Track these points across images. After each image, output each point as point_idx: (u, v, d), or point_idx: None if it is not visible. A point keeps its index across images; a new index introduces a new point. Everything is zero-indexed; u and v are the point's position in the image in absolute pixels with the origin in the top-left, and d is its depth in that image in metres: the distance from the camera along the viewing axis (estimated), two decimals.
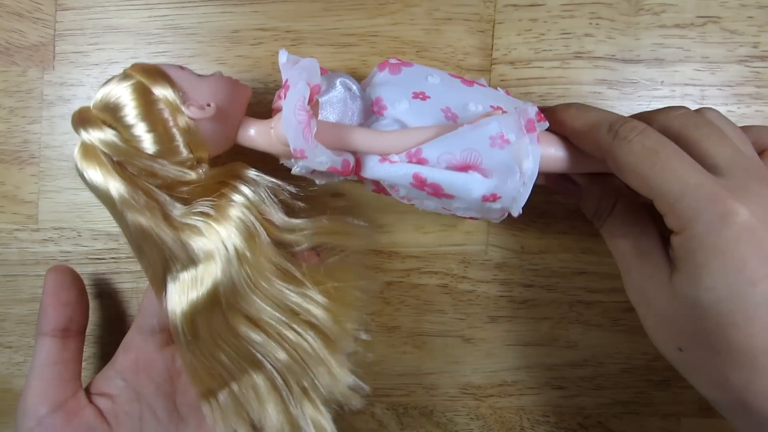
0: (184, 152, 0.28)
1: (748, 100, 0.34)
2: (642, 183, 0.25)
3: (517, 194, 0.27)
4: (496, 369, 0.36)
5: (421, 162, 0.27)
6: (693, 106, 0.34)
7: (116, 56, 0.35)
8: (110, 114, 0.27)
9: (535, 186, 0.27)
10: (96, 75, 0.35)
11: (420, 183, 0.27)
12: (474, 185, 0.27)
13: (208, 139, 0.28)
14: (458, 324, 0.36)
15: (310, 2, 0.34)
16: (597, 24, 0.34)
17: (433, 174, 0.27)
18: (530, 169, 0.27)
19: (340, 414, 0.36)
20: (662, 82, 0.34)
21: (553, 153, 0.29)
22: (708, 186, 0.24)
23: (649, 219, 0.27)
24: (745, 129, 0.28)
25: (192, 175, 0.28)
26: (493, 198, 0.27)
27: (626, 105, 0.34)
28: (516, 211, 0.28)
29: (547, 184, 0.33)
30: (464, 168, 0.27)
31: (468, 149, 0.26)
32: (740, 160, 0.25)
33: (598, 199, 0.29)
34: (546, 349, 0.36)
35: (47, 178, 0.35)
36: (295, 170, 0.29)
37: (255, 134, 0.29)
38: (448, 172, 0.27)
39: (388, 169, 0.27)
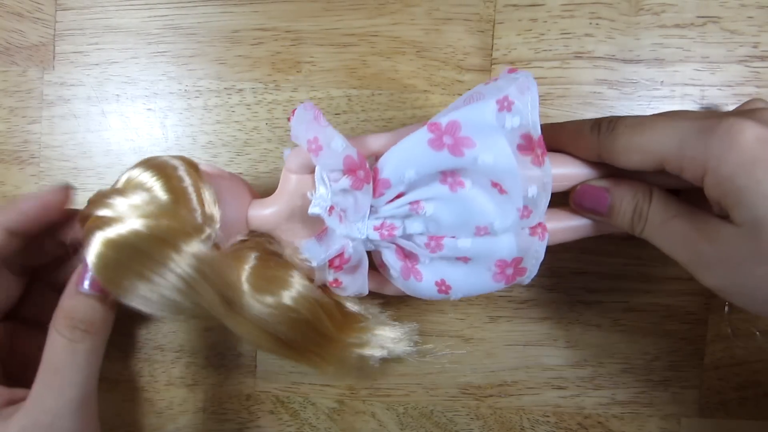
0: (197, 207, 0.27)
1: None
2: (642, 154, 0.25)
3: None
4: (496, 369, 0.36)
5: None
6: (693, 106, 0.34)
7: (116, 56, 0.35)
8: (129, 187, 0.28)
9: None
10: (96, 75, 0.35)
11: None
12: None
13: (221, 198, 0.28)
14: (458, 324, 0.36)
15: (310, 2, 0.34)
16: (597, 24, 0.34)
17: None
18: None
19: (339, 414, 0.36)
20: (662, 82, 0.34)
21: (567, 171, 0.29)
22: (701, 120, 0.24)
23: (686, 201, 0.27)
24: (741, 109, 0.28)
25: (206, 231, 0.27)
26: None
27: (626, 105, 0.34)
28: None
29: (573, 203, 0.30)
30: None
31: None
32: (713, 112, 0.26)
33: (632, 194, 0.28)
34: (546, 349, 0.36)
35: (47, 178, 0.35)
36: (312, 208, 0.27)
37: (270, 199, 0.30)
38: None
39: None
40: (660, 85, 0.34)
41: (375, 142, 0.29)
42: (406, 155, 0.27)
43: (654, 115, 0.26)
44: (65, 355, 0.26)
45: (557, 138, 0.29)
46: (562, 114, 0.34)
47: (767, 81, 0.34)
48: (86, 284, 0.27)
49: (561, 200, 0.29)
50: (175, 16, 0.35)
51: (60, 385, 0.26)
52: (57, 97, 0.35)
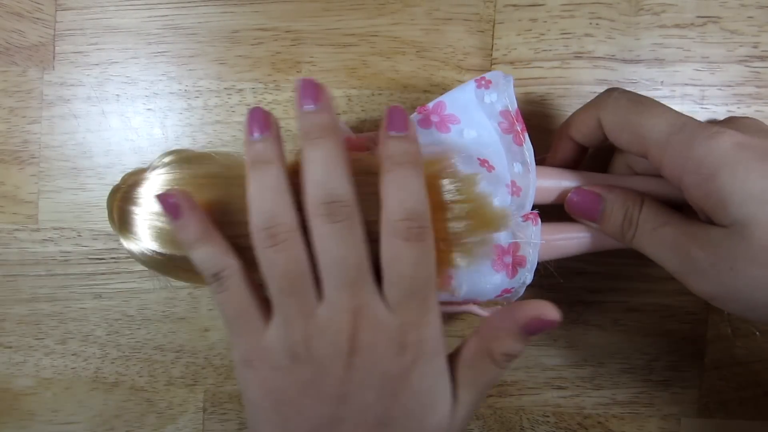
0: None
1: (748, 100, 0.34)
2: (633, 134, 0.26)
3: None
4: None
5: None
6: (693, 106, 0.34)
7: (116, 56, 0.35)
8: None
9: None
10: (96, 75, 0.35)
11: None
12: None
13: None
14: (459, 324, 0.36)
15: (310, 2, 0.34)
16: (597, 24, 0.34)
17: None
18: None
19: None
20: (662, 82, 0.34)
21: (558, 184, 0.30)
22: (693, 121, 0.25)
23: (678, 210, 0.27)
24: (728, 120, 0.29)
25: None
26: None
27: None
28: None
29: (567, 207, 0.30)
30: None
31: None
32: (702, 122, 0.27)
33: (623, 200, 0.28)
34: (546, 349, 0.36)
35: (47, 178, 0.35)
36: None
37: None
38: None
39: None
40: (660, 85, 0.34)
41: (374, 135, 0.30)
42: None
43: (652, 98, 0.27)
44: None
45: (563, 124, 0.30)
46: (562, 114, 0.34)
47: (767, 81, 0.34)
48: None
49: (557, 215, 0.30)
50: (175, 16, 0.35)
51: None
52: (57, 97, 0.35)
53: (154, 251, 0.27)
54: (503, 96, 0.28)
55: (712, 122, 0.27)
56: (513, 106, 0.28)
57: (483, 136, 0.28)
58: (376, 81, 0.34)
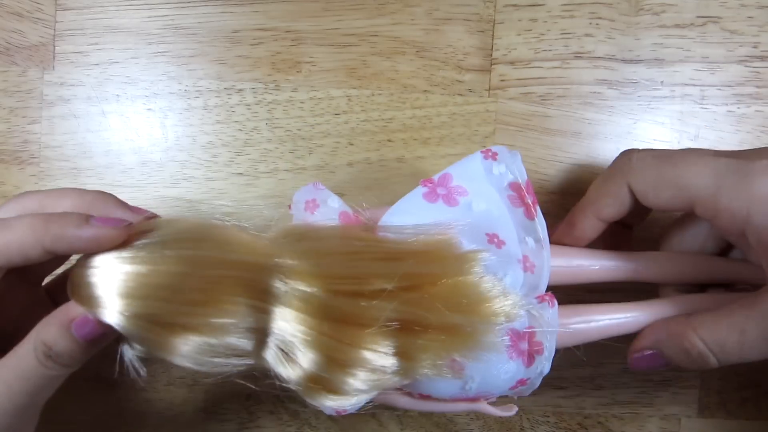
0: None
1: (748, 100, 0.34)
2: (675, 190, 0.24)
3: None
4: None
5: None
6: (693, 106, 0.34)
7: (116, 56, 0.35)
8: None
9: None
10: (96, 75, 0.35)
11: None
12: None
13: None
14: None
15: (310, 2, 0.34)
16: (597, 24, 0.34)
17: None
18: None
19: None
20: (662, 82, 0.34)
21: (576, 263, 0.29)
22: (731, 158, 0.23)
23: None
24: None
25: None
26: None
27: (626, 105, 0.34)
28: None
29: (632, 368, 0.29)
30: None
31: None
32: (737, 152, 0.25)
33: (678, 341, 0.26)
34: None
35: (47, 178, 0.35)
36: None
37: None
38: None
39: None
40: (660, 85, 0.34)
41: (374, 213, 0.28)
42: (403, 210, 0.27)
43: (679, 150, 0.25)
44: (32, 371, 0.24)
45: (583, 202, 0.28)
46: (562, 114, 0.34)
47: (767, 81, 0.34)
48: (84, 333, 0.24)
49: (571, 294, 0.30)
50: (175, 16, 0.35)
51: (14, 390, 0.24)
52: (57, 97, 0.35)
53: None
54: (512, 168, 0.27)
55: (742, 153, 0.25)
56: (523, 178, 0.27)
57: (492, 210, 0.27)
58: (376, 81, 0.34)
